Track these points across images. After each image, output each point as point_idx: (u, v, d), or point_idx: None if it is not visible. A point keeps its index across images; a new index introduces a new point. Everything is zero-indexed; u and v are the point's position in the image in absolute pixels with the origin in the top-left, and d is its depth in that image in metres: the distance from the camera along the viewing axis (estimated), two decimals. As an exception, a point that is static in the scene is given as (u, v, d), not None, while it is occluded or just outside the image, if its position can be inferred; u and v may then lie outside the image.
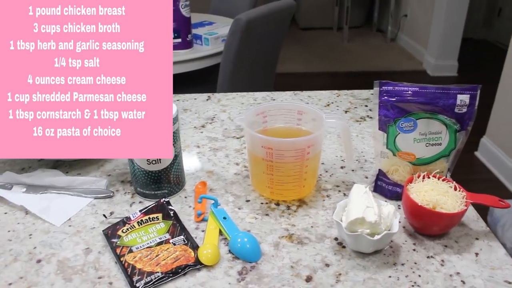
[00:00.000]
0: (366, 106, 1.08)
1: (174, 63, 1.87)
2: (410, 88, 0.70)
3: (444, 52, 3.62)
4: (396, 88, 0.70)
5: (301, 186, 0.73)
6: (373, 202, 0.63)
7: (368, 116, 1.03)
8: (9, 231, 0.70)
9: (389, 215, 0.63)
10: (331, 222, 0.70)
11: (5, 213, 0.74)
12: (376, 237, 0.61)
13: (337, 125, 0.72)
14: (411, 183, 0.70)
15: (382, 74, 3.80)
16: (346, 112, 1.06)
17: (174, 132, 0.71)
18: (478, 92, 0.71)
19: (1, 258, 0.65)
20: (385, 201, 0.70)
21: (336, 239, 0.67)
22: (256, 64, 1.91)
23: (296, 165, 0.69)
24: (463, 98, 0.70)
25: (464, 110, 0.70)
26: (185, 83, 2.12)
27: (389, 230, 0.62)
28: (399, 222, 0.64)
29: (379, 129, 0.72)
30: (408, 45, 4.34)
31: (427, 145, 0.72)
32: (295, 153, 0.68)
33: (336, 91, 1.16)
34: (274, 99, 1.12)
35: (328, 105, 1.09)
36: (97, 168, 0.85)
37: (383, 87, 0.71)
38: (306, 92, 1.15)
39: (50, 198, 0.76)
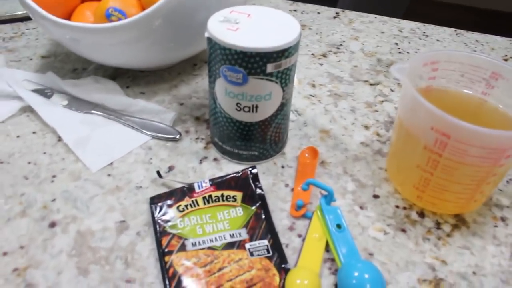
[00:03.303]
0: None
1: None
2: None
3: None
4: None
5: (471, 199, 0.44)
6: None
7: None
8: (29, 162, 0.49)
9: None
10: (507, 273, 0.42)
11: (34, 132, 0.53)
12: None
13: None
14: None
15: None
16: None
17: (286, 69, 0.44)
18: None
19: (7, 205, 0.45)
20: None
21: (516, 306, 0.39)
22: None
23: (479, 170, 0.40)
24: None
25: None
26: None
27: None
28: None
29: None
30: None
31: None
32: (487, 153, 0.38)
33: (518, 40, 0.80)
34: (427, 35, 0.79)
35: (505, 59, 0.75)
36: (168, 88, 0.61)
37: None
38: (473, 34, 0.81)
39: (93, 123, 0.54)
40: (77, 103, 0.56)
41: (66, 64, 0.65)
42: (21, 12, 0.75)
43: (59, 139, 0.52)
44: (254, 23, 0.44)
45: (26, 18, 0.76)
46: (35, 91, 0.57)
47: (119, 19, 0.50)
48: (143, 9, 0.51)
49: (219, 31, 0.42)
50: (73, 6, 0.56)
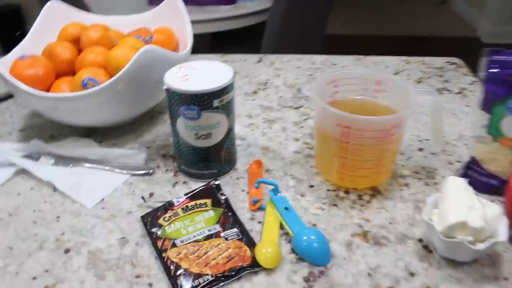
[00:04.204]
0: (441, 76, 0.93)
1: (216, 20, 1.74)
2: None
3: (503, 17, 3.34)
4: (511, 58, 0.55)
5: (378, 173, 0.60)
6: (476, 202, 0.50)
7: (444, 88, 0.88)
8: (34, 211, 0.61)
9: (493, 218, 0.50)
10: (412, 219, 0.58)
11: (31, 188, 0.65)
12: (480, 246, 0.49)
13: (428, 101, 0.59)
14: (516, 176, 0.56)
15: (432, 40, 3.55)
16: (418, 82, 0.91)
17: (228, 102, 0.59)
18: None
19: (25, 244, 0.56)
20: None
21: (420, 240, 0.55)
22: (306, 24, 1.75)
23: (375, 148, 0.57)
24: None
25: None
26: (226, 42, 1.98)
27: (492, 237, 0.50)
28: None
29: (482, 108, 0.58)
30: (461, 9, 4.04)
31: (540, 131, 0.58)
32: (378, 134, 0.55)
33: (405, 58, 1.01)
34: (334, 64, 0.98)
35: (397, 73, 0.94)
36: (135, 138, 0.75)
37: (495, 57, 0.56)
38: (370, 58, 1.00)
39: (81, 173, 0.66)
40: (63, 160, 0.68)
41: (43, 133, 0.77)
42: (-10, 97, 0.87)
43: (55, 189, 0.64)
44: (198, 73, 0.60)
45: (-3, 101, 0.87)
46: (24, 156, 0.69)
47: (93, 86, 0.64)
48: (110, 76, 0.65)
49: (175, 83, 0.57)
50: (50, 82, 0.69)
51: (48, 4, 0.82)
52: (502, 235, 0.49)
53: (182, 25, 0.80)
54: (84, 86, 0.64)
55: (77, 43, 0.74)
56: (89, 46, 0.71)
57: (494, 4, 3.36)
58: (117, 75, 0.61)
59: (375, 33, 3.70)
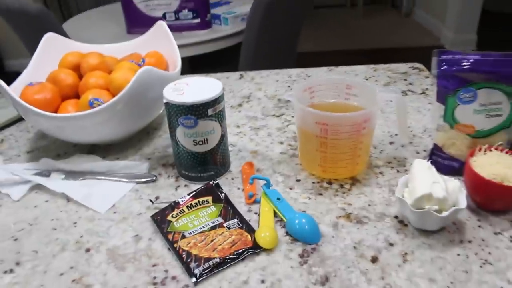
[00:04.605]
0: (406, 80, 1.04)
1: (193, 44, 1.83)
2: (471, 56, 0.65)
3: (463, 26, 3.53)
4: (456, 56, 0.65)
5: (355, 163, 0.69)
6: (438, 177, 0.60)
7: (409, 90, 0.99)
8: (52, 219, 0.67)
9: (454, 190, 0.60)
10: (388, 200, 0.67)
11: (46, 201, 0.71)
12: (444, 213, 0.57)
13: (392, 98, 0.68)
14: (472, 156, 0.66)
15: (399, 51, 3.72)
16: (385, 86, 1.01)
17: (220, 111, 0.68)
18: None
19: (48, 248, 0.62)
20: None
21: (396, 217, 0.64)
22: (279, 42, 1.86)
23: (351, 141, 0.65)
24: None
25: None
26: (204, 64, 2.07)
27: (455, 206, 0.59)
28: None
29: (437, 100, 0.68)
30: (424, 20, 4.23)
31: (487, 116, 0.68)
32: (351, 129, 0.64)
33: (372, 66, 1.11)
34: (309, 75, 1.08)
35: (366, 79, 1.04)
36: (135, 151, 0.82)
37: (443, 56, 0.66)
38: (342, 68, 1.11)
39: (90, 184, 0.73)
40: (72, 175, 0.75)
41: (49, 153, 0.84)
42: (-6, 125, 0.94)
43: (68, 200, 0.71)
44: (192, 87, 0.68)
45: (1, 128, 0.94)
46: (35, 174, 0.76)
47: (99, 105, 0.71)
48: (113, 96, 0.73)
49: (173, 96, 0.65)
50: (57, 105, 0.76)
51: (45, 36, 0.90)
52: (462, 204, 0.59)
53: (170, 48, 0.89)
54: (91, 105, 0.71)
55: (76, 70, 0.82)
56: (89, 71, 0.79)
57: (453, 14, 3.55)
58: (120, 94, 0.69)
59: (344, 48, 3.86)
